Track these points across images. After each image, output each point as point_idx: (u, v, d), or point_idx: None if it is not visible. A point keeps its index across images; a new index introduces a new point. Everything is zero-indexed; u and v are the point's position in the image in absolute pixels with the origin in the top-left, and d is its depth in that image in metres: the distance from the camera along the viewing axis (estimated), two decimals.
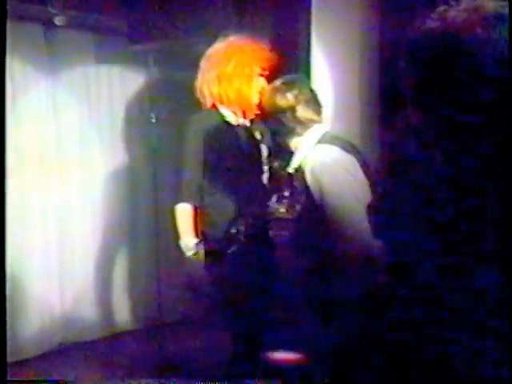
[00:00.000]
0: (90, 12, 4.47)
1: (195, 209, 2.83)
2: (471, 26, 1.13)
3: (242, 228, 2.78)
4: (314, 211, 2.30)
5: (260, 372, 2.83)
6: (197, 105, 2.92)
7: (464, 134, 1.16)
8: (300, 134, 2.48)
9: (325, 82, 3.29)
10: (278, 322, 2.89)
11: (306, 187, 2.32)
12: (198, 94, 2.90)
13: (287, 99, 2.48)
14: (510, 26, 1.12)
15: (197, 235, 2.81)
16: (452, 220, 1.12)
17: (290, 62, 3.18)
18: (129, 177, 4.96)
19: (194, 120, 2.89)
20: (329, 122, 2.67)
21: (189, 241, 2.78)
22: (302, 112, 2.47)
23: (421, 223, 1.18)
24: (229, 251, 2.77)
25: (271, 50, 2.90)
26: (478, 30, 1.13)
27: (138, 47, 4.30)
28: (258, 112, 2.79)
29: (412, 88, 1.22)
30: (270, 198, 2.67)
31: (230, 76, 2.82)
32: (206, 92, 2.87)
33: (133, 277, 4.96)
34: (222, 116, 2.88)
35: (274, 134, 2.69)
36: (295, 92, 2.48)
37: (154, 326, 4.63)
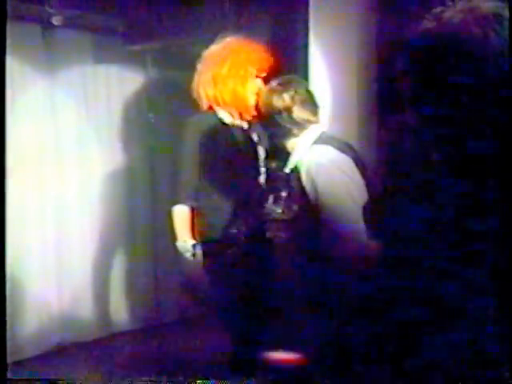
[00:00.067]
0: (87, 12, 4.47)
1: (192, 210, 2.84)
2: (468, 26, 1.13)
3: (240, 229, 2.79)
4: (310, 212, 2.30)
5: (259, 372, 2.83)
6: (194, 106, 2.92)
7: (462, 135, 1.16)
8: (296, 135, 2.48)
9: (323, 83, 3.29)
10: (276, 322, 2.89)
11: (302, 188, 2.32)
12: (195, 96, 2.90)
13: (283, 100, 2.47)
14: (510, 26, 1.13)
15: (194, 237, 2.81)
16: (450, 220, 1.13)
17: (287, 63, 3.18)
18: (127, 176, 4.96)
19: (191, 122, 2.89)
20: (326, 122, 2.67)
21: (186, 242, 2.78)
22: (299, 113, 2.47)
23: (418, 224, 1.19)
24: (226, 252, 2.77)
25: (268, 51, 2.89)
26: (475, 31, 1.13)
27: (135, 47, 4.31)
28: (255, 113, 2.79)
29: (409, 89, 1.22)
30: (266, 200, 2.67)
31: (225, 78, 2.81)
32: (202, 94, 2.87)
33: (131, 277, 4.96)
34: (218, 118, 2.88)
35: (270, 134, 2.69)
36: (291, 93, 2.48)
37: (152, 326, 4.64)
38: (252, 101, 2.81)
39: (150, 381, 3.21)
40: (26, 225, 4.31)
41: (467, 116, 1.14)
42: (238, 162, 2.86)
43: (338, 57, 3.30)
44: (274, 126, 2.52)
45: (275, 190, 2.62)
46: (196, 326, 4.51)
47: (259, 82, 2.83)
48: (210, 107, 2.88)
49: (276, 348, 2.76)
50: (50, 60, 4.48)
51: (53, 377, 3.81)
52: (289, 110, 2.46)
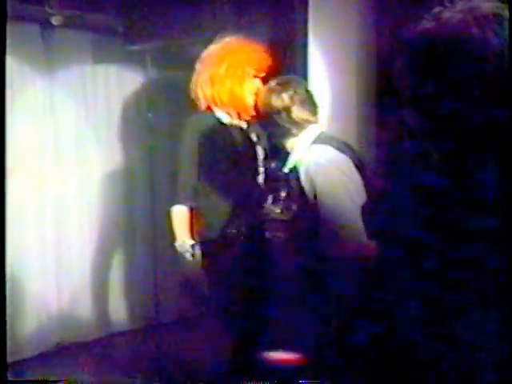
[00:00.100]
0: (87, 12, 4.47)
1: (191, 210, 2.84)
2: (467, 26, 1.14)
3: (239, 229, 2.79)
4: (308, 212, 2.30)
5: (257, 372, 2.83)
6: (193, 106, 2.92)
7: (461, 135, 1.16)
8: (295, 135, 2.48)
9: (322, 83, 3.29)
10: (275, 322, 2.89)
11: (301, 188, 2.32)
12: (194, 96, 2.90)
13: (282, 100, 2.47)
14: (510, 27, 1.13)
15: (193, 237, 2.81)
16: (449, 220, 1.13)
17: (286, 63, 3.18)
18: (126, 176, 4.96)
19: (190, 122, 2.89)
20: (325, 122, 2.67)
21: (184, 242, 2.78)
22: (298, 112, 2.46)
23: (416, 223, 1.19)
24: (225, 252, 2.77)
25: (266, 51, 2.89)
26: (474, 31, 1.13)
27: (135, 47, 4.30)
28: (253, 113, 2.79)
29: (408, 89, 1.22)
30: (265, 200, 2.67)
31: (223, 78, 2.81)
32: (200, 94, 2.87)
33: (130, 277, 4.96)
34: (217, 118, 2.88)
35: (269, 134, 2.69)
36: (290, 92, 2.48)
37: (151, 326, 4.63)
38: (250, 101, 2.81)
39: (150, 381, 3.21)
40: (25, 225, 4.31)
41: (467, 116, 1.14)
42: (237, 162, 2.86)
43: (337, 57, 3.31)
44: (272, 125, 2.52)
45: (274, 190, 2.62)
46: (195, 326, 4.51)
47: (257, 81, 2.83)
48: (209, 107, 2.88)
49: (275, 348, 2.76)
50: (50, 60, 4.48)
51: (52, 377, 3.82)
52: (288, 109, 2.46)
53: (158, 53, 4.56)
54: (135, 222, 4.99)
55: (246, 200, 2.83)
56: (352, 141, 2.70)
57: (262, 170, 2.92)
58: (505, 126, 1.12)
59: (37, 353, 4.31)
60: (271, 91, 2.52)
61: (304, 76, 3.23)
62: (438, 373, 1.13)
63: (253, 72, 2.83)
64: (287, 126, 2.47)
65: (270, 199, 2.61)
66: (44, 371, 4.03)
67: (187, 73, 2.94)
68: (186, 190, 2.82)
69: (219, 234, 2.78)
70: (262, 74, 2.83)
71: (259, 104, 2.60)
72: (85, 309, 4.69)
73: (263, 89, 2.61)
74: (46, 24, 4.32)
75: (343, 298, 2.23)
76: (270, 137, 2.73)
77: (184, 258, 2.78)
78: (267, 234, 2.84)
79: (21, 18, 4.17)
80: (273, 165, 2.89)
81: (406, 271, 1.17)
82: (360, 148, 2.75)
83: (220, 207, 2.81)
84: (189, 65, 2.95)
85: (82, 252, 4.69)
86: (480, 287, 1.08)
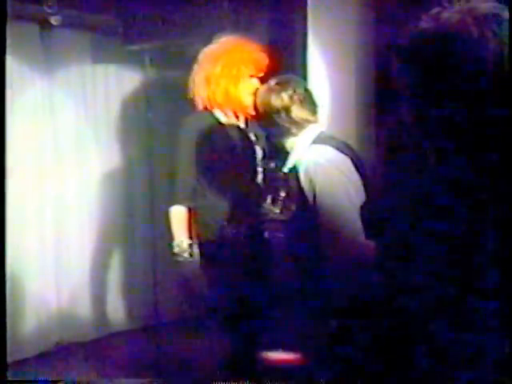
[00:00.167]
0: (85, 12, 4.47)
1: (189, 211, 2.83)
2: (466, 26, 1.14)
3: (237, 229, 2.78)
4: (308, 212, 2.30)
5: (257, 372, 2.83)
6: (192, 106, 2.92)
7: (459, 135, 1.16)
8: (295, 135, 2.47)
9: (321, 82, 3.30)
10: (274, 322, 2.90)
11: (300, 188, 2.32)
12: (192, 96, 2.90)
13: (282, 99, 2.46)
14: (510, 27, 1.13)
15: (191, 237, 2.81)
16: (447, 220, 1.13)
17: (286, 62, 3.18)
18: (125, 176, 4.97)
19: (187, 122, 2.88)
20: (324, 121, 2.67)
21: (182, 242, 2.77)
22: (297, 112, 2.45)
23: (415, 223, 1.19)
24: (223, 253, 2.77)
25: (264, 51, 2.88)
26: (473, 31, 1.13)
27: (134, 47, 4.30)
28: (252, 113, 2.78)
29: (407, 89, 1.22)
30: (264, 200, 2.67)
31: (218, 78, 2.81)
32: (197, 94, 2.87)
33: (129, 277, 4.96)
34: (215, 117, 2.87)
35: (268, 134, 2.68)
36: (290, 92, 2.46)
37: (151, 326, 4.63)
38: (247, 100, 2.80)
39: (149, 381, 3.21)
40: (25, 225, 4.31)
41: (466, 116, 1.14)
42: (235, 161, 2.85)
43: (337, 56, 3.31)
44: (272, 125, 2.51)
45: (273, 190, 2.62)
46: (194, 326, 4.51)
47: (255, 81, 2.82)
48: (206, 107, 2.88)
49: (274, 348, 2.76)
50: (49, 60, 4.48)
51: (52, 377, 3.82)
52: (287, 109, 2.45)
53: (156, 53, 4.56)
54: (134, 222, 4.99)
55: (245, 200, 2.83)
56: (351, 140, 2.70)
57: (260, 169, 2.91)
58: (504, 126, 1.12)
59: (36, 353, 4.31)
60: (270, 91, 2.51)
61: (303, 76, 3.23)
62: (437, 373, 1.13)
63: (249, 72, 2.82)
64: (287, 125, 2.46)
65: (269, 199, 2.61)
66: (43, 371, 4.03)
67: (186, 73, 2.94)
68: (184, 191, 2.82)
69: (217, 234, 2.78)
70: (260, 74, 2.83)
71: (258, 103, 2.58)
72: (84, 309, 4.70)
73: (262, 88, 2.59)
74: (44, 24, 4.32)
75: (342, 297, 2.23)
76: (268, 136, 2.73)
77: (182, 258, 2.78)
78: (266, 234, 2.84)
79: (20, 18, 4.17)
80: (272, 165, 2.89)
81: (405, 271, 1.17)
82: (359, 148, 2.75)
83: (218, 207, 2.80)
84: (188, 65, 2.95)
85: (82, 252, 4.69)
86: (480, 287, 1.08)
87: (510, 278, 1.06)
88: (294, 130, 2.46)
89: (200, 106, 2.88)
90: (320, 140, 2.43)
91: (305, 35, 3.38)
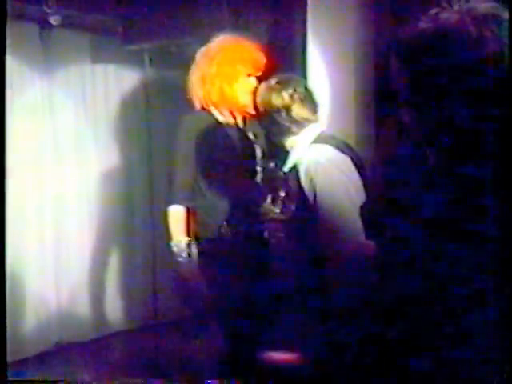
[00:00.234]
0: (85, 12, 4.46)
1: (188, 210, 2.83)
2: (465, 26, 1.14)
3: (236, 229, 2.78)
4: (308, 211, 2.30)
5: (256, 372, 2.82)
6: (191, 105, 2.91)
7: (459, 135, 1.16)
8: (295, 134, 2.46)
9: (320, 82, 3.29)
10: (274, 322, 2.90)
11: (301, 187, 2.31)
12: (190, 96, 2.90)
13: (282, 98, 2.45)
14: (510, 27, 1.13)
15: (189, 237, 2.80)
16: (447, 220, 1.13)
17: (285, 62, 3.18)
18: (125, 176, 4.96)
19: (185, 121, 2.87)
20: (324, 121, 2.66)
21: (180, 242, 2.77)
22: (298, 111, 2.45)
23: (415, 223, 1.19)
24: (222, 252, 2.77)
25: (263, 50, 2.87)
26: (472, 31, 1.13)
27: (133, 47, 4.30)
28: (251, 112, 2.77)
29: (406, 89, 1.22)
30: (264, 199, 2.67)
31: (213, 77, 2.79)
32: (194, 94, 2.86)
33: (129, 276, 4.96)
34: (213, 117, 2.87)
35: (268, 133, 2.67)
36: (290, 91, 2.45)
37: (150, 326, 4.64)
38: (244, 100, 2.79)
39: (148, 381, 3.21)
40: (24, 225, 4.31)
41: (465, 116, 1.14)
42: (234, 161, 2.85)
43: (336, 56, 3.31)
44: (272, 124, 2.50)
45: (273, 190, 2.61)
46: (194, 326, 4.51)
47: (253, 80, 2.81)
48: (203, 107, 2.87)
49: (274, 348, 2.76)
50: (48, 60, 4.48)
51: (52, 376, 3.82)
52: (288, 108, 2.44)
53: (156, 52, 4.57)
54: (134, 222, 4.99)
55: (244, 200, 2.83)
56: (350, 140, 2.70)
57: (259, 169, 2.91)
58: (504, 126, 1.12)
59: (36, 352, 4.31)
60: (271, 90, 2.49)
61: (303, 75, 3.22)
62: (436, 373, 1.13)
63: (246, 70, 2.80)
64: (287, 124, 2.45)
65: (268, 199, 2.60)
66: (43, 371, 4.03)
67: (185, 72, 2.94)
68: (183, 190, 2.81)
69: (216, 233, 2.78)
70: (258, 73, 2.81)
71: (258, 102, 2.57)
72: (84, 308, 4.70)
73: (262, 87, 2.57)
74: (44, 24, 4.32)
75: (342, 297, 2.23)
76: (268, 136, 2.71)
77: (180, 257, 2.77)
78: (266, 234, 2.83)
79: (19, 18, 4.17)
80: (271, 164, 2.88)
81: (405, 271, 1.18)
82: (358, 147, 2.75)
83: (217, 207, 2.80)
84: (187, 65, 2.94)
85: (81, 252, 4.69)
86: (480, 287, 1.08)
87: (510, 278, 1.07)
88: (294, 129, 2.45)
89: (197, 106, 2.88)
90: (320, 139, 2.43)
91: (304, 35, 3.38)
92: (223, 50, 2.83)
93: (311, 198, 2.28)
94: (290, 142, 2.48)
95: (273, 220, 2.62)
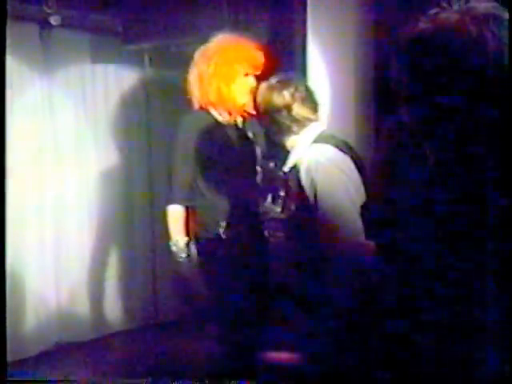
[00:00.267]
0: (85, 12, 4.47)
1: (187, 210, 2.83)
2: (464, 27, 1.14)
3: (236, 229, 2.78)
4: (308, 211, 2.30)
5: (255, 372, 2.82)
6: (191, 105, 2.91)
7: (459, 135, 1.16)
8: (296, 133, 2.45)
9: (320, 81, 3.29)
10: (273, 322, 2.89)
11: (301, 187, 2.31)
12: (189, 95, 2.89)
13: (284, 97, 2.43)
14: (510, 27, 1.13)
15: (188, 236, 2.80)
16: (446, 220, 1.13)
17: (284, 61, 3.17)
18: (125, 176, 4.96)
19: (184, 121, 2.87)
20: (324, 120, 2.66)
21: (179, 242, 2.77)
22: (299, 110, 2.44)
23: (415, 223, 1.19)
24: (221, 252, 2.76)
25: (262, 49, 2.85)
26: (471, 31, 1.13)
27: (133, 47, 4.30)
28: (251, 111, 2.77)
29: (406, 88, 1.22)
30: (264, 198, 2.67)
31: (210, 77, 2.79)
32: (192, 93, 2.85)
33: (128, 276, 4.96)
34: (211, 117, 2.86)
35: (269, 133, 2.66)
36: (291, 90, 2.44)
37: (150, 326, 4.63)
38: (242, 99, 2.79)
39: (148, 381, 3.21)
40: (24, 224, 4.31)
41: (465, 116, 1.14)
42: (234, 160, 2.84)
43: (336, 56, 3.30)
44: (273, 123, 2.48)
45: (273, 189, 2.61)
46: (194, 326, 4.51)
47: (251, 80, 2.80)
48: (202, 106, 2.86)
49: (273, 348, 2.76)
50: (48, 60, 4.48)
51: (52, 376, 3.82)
52: (289, 107, 2.42)
53: (156, 52, 4.57)
54: (134, 222, 4.99)
55: (244, 199, 2.82)
56: (350, 140, 2.69)
57: (259, 168, 2.90)
58: (504, 126, 1.12)
59: (36, 352, 4.31)
60: (272, 89, 2.48)
61: (303, 75, 3.22)
62: (436, 373, 1.13)
63: (244, 70, 2.79)
64: (288, 123, 2.44)
65: (269, 198, 2.60)
66: (43, 371, 4.03)
67: (185, 72, 2.93)
68: (182, 190, 2.81)
69: (215, 233, 2.78)
70: (257, 72, 2.80)
71: (259, 101, 2.55)
72: (83, 308, 4.69)
73: (263, 86, 2.55)
74: (44, 24, 4.32)
75: (342, 297, 2.23)
76: (269, 135, 2.70)
77: (179, 257, 2.77)
78: (266, 233, 2.83)
79: (19, 18, 4.17)
80: (271, 164, 2.88)
81: (405, 271, 1.18)
82: (358, 147, 2.75)
83: (216, 207, 2.80)
84: (187, 64, 2.94)
85: (81, 252, 4.69)
86: (480, 287, 1.08)
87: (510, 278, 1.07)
88: (295, 129, 2.44)
89: (196, 106, 2.87)
90: (321, 139, 2.42)
91: (304, 35, 3.38)
92: (221, 50, 2.82)
93: (312, 198, 2.28)
94: (290, 142, 2.47)
95: (273, 219, 2.61)
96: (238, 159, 2.86)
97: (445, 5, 1.18)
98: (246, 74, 2.81)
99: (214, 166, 2.82)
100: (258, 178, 2.88)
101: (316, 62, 3.35)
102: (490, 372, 1.08)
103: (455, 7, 1.17)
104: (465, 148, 1.16)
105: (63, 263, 4.57)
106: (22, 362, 4.09)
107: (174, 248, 2.79)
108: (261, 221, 2.79)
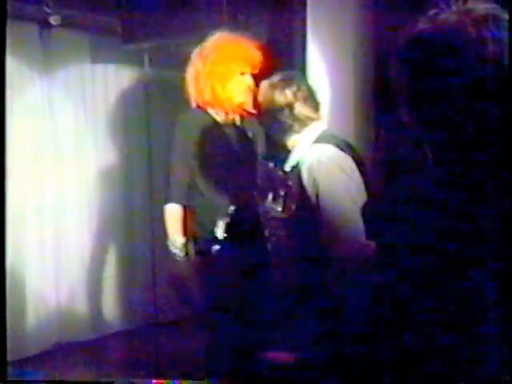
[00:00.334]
0: (85, 11, 4.47)
1: (185, 209, 2.82)
2: (463, 27, 1.14)
3: (235, 227, 2.77)
4: (309, 211, 2.30)
5: (255, 372, 2.82)
6: (189, 104, 2.91)
7: (458, 135, 1.17)
8: (297, 132, 2.44)
9: (320, 81, 3.29)
10: (273, 322, 2.89)
11: (302, 186, 2.31)
12: (187, 94, 2.88)
13: (286, 96, 2.42)
14: (509, 27, 1.13)
15: (186, 235, 2.80)
16: (446, 220, 1.13)
17: (285, 61, 3.17)
18: (124, 175, 4.97)
19: (182, 120, 2.86)
20: (325, 120, 2.66)
21: (176, 241, 2.76)
22: (301, 109, 2.42)
23: (415, 223, 1.19)
24: (220, 252, 2.76)
25: (258, 48, 2.83)
26: (471, 32, 1.13)
27: (132, 46, 4.30)
28: (250, 110, 2.76)
29: (405, 89, 1.22)
30: (264, 198, 2.67)
31: (205, 76, 2.77)
32: (189, 93, 2.84)
33: (128, 276, 4.96)
34: (209, 115, 2.85)
35: (270, 131, 2.64)
36: (294, 89, 2.43)
37: (150, 326, 4.63)
38: (238, 98, 2.77)
39: (148, 381, 3.21)
40: (24, 224, 4.31)
41: (465, 117, 1.15)
42: (232, 159, 2.84)
43: (336, 56, 3.31)
44: (274, 122, 2.47)
45: (273, 188, 2.60)
46: (193, 326, 4.51)
47: (248, 78, 2.78)
48: (199, 105, 2.85)
49: (273, 348, 2.76)
50: (48, 60, 4.48)
51: (52, 376, 3.82)
52: (291, 106, 2.41)
53: (156, 52, 4.56)
54: (134, 221, 5.00)
55: (243, 198, 2.82)
56: (350, 140, 2.69)
57: (259, 167, 2.90)
58: (504, 126, 1.12)
59: (36, 352, 4.31)
60: (274, 87, 2.46)
61: (303, 75, 3.22)
62: (436, 374, 1.14)
63: (240, 69, 2.78)
64: (289, 122, 2.42)
65: (269, 197, 2.59)
66: (43, 370, 4.03)
67: (184, 72, 2.93)
68: (179, 189, 2.80)
69: (215, 232, 2.77)
70: (254, 71, 2.78)
71: (261, 100, 2.52)
72: (83, 308, 4.70)
73: (265, 85, 2.53)
74: (44, 24, 4.32)
75: (342, 297, 2.23)
76: (269, 134, 2.68)
77: (176, 256, 2.76)
78: (266, 233, 2.83)
79: (19, 18, 4.17)
80: (271, 164, 2.88)
81: (405, 271, 1.18)
82: (359, 147, 2.75)
83: (216, 206, 2.79)
84: (186, 64, 2.93)
85: (81, 251, 4.69)
86: (481, 288, 1.09)
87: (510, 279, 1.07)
88: (296, 128, 2.43)
89: (193, 104, 2.86)
90: (322, 138, 2.41)
91: (304, 35, 3.38)
92: (217, 49, 2.80)
93: (313, 198, 2.27)
94: (291, 141, 2.46)
95: (274, 218, 2.61)
96: (236, 158, 2.86)
97: (443, 6, 1.18)
98: (243, 73, 2.79)
99: (213, 165, 2.82)
100: (257, 177, 2.87)
101: (316, 61, 3.35)
102: (490, 372, 1.08)
103: (454, 8, 1.17)
104: (465, 148, 1.16)
105: (63, 263, 4.57)
106: (22, 362, 4.09)
107: (171, 247, 2.78)
108: (260, 220, 2.78)
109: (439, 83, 1.16)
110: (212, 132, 2.83)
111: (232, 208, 2.81)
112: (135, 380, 3.67)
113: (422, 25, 1.18)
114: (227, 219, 2.79)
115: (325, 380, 2.25)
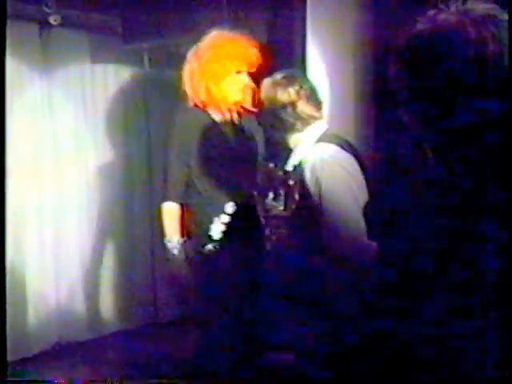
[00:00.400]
0: (85, 11, 4.47)
1: (182, 207, 2.82)
2: (462, 28, 1.14)
3: (233, 227, 2.77)
4: (311, 210, 2.29)
5: (254, 372, 2.82)
6: (186, 102, 2.90)
7: (458, 135, 1.17)
8: (300, 131, 2.42)
9: (320, 81, 3.29)
10: (273, 322, 2.90)
11: (304, 185, 2.30)
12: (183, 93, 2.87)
13: (289, 94, 2.40)
14: (509, 28, 1.13)
15: (183, 234, 2.79)
16: (447, 219, 1.13)
17: (284, 61, 3.17)
18: (124, 175, 4.97)
19: (179, 118, 2.85)
20: (327, 119, 2.65)
21: (173, 239, 2.76)
22: (303, 108, 2.40)
23: (416, 223, 1.19)
24: (217, 250, 2.76)
25: (255, 46, 2.81)
26: (470, 32, 1.13)
27: (132, 46, 4.30)
28: (249, 108, 2.75)
29: (405, 89, 1.23)
30: (264, 196, 2.66)
31: (199, 75, 2.76)
32: (187, 92, 2.83)
33: (128, 275, 4.96)
34: (207, 114, 2.84)
35: (271, 130, 2.62)
36: (296, 87, 2.41)
37: (150, 326, 4.63)
38: (234, 97, 2.76)
39: (148, 381, 3.21)
40: (24, 224, 4.31)
41: (464, 117, 1.15)
42: (230, 158, 2.83)
43: (336, 56, 3.31)
44: (276, 120, 2.44)
45: (273, 187, 2.60)
46: (194, 325, 4.51)
47: (244, 77, 2.77)
48: (196, 104, 2.84)
49: (273, 348, 2.76)
50: (48, 59, 4.48)
51: (51, 376, 3.82)
52: (293, 104, 2.39)
53: (155, 51, 4.57)
54: (133, 221, 4.99)
55: (241, 197, 2.81)
56: (351, 139, 2.69)
57: (258, 166, 2.89)
58: (503, 126, 1.13)
59: (36, 352, 4.31)
60: (276, 85, 2.44)
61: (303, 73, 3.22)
62: (436, 374, 1.14)
63: (236, 67, 2.76)
64: (292, 121, 2.40)
65: (270, 196, 2.58)
66: (43, 370, 4.03)
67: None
68: (177, 187, 2.80)
69: (215, 232, 2.77)
70: (251, 70, 2.76)
71: (263, 97, 2.49)
72: (83, 308, 4.70)
73: (267, 83, 2.49)
74: (43, 23, 4.32)
75: (343, 296, 2.23)
76: (271, 132, 2.66)
77: (172, 254, 2.76)
78: (267, 231, 2.83)
79: (19, 18, 4.17)
80: (270, 163, 2.88)
81: (406, 271, 1.18)
82: (359, 147, 2.75)
83: (214, 204, 2.79)
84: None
85: (81, 251, 4.69)
86: (481, 288, 1.09)
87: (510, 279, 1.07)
88: (298, 126, 2.41)
89: (191, 103, 2.85)
90: (325, 138, 2.41)
91: (304, 35, 3.38)
92: (212, 48, 2.78)
93: (316, 197, 2.26)
94: (293, 140, 2.44)
95: (275, 217, 2.60)
96: (234, 157, 2.85)
97: (442, 6, 1.18)
98: (239, 72, 2.77)
99: (211, 164, 2.81)
100: (257, 177, 2.87)
101: (316, 62, 3.35)
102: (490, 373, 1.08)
103: (452, 8, 1.17)
104: (464, 148, 1.17)
105: (63, 263, 4.57)
106: (22, 362, 4.09)
107: (168, 245, 2.78)
108: (259, 219, 2.78)
109: (439, 83, 1.16)
110: (210, 131, 2.82)
111: (230, 207, 2.81)
112: (136, 380, 3.68)
113: (422, 25, 1.18)
114: (225, 218, 2.79)
115: (325, 380, 2.25)
